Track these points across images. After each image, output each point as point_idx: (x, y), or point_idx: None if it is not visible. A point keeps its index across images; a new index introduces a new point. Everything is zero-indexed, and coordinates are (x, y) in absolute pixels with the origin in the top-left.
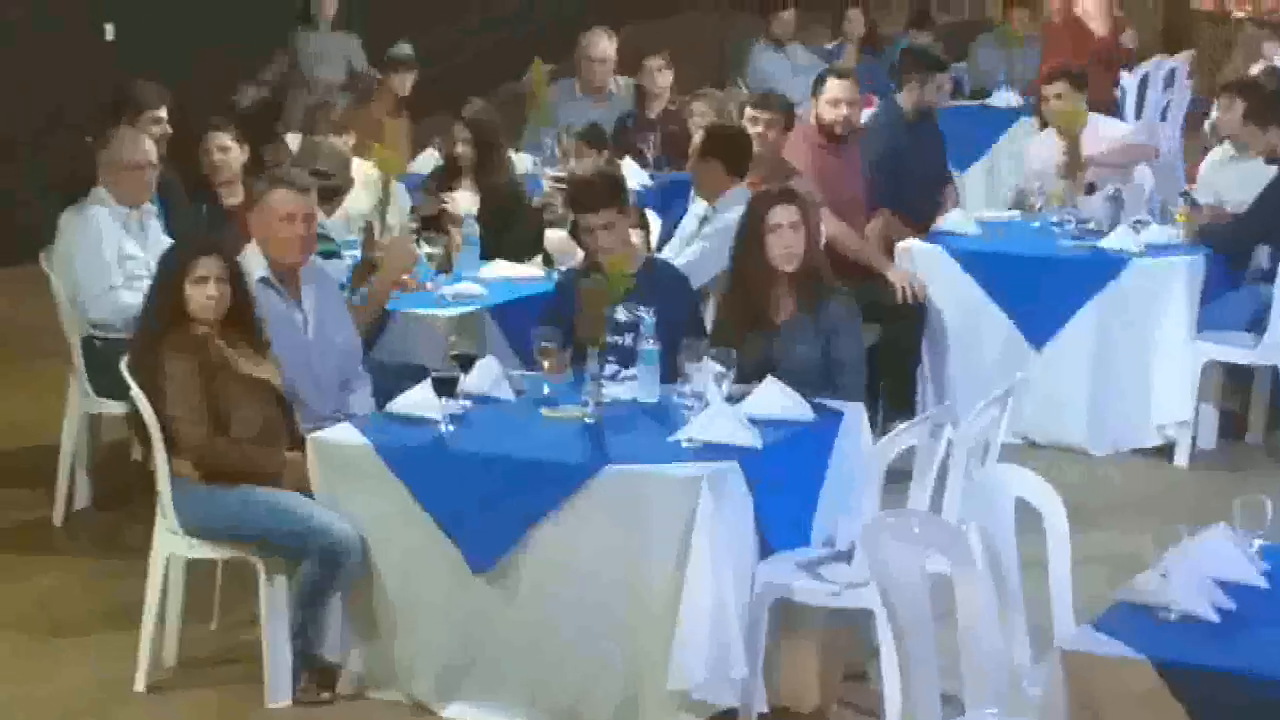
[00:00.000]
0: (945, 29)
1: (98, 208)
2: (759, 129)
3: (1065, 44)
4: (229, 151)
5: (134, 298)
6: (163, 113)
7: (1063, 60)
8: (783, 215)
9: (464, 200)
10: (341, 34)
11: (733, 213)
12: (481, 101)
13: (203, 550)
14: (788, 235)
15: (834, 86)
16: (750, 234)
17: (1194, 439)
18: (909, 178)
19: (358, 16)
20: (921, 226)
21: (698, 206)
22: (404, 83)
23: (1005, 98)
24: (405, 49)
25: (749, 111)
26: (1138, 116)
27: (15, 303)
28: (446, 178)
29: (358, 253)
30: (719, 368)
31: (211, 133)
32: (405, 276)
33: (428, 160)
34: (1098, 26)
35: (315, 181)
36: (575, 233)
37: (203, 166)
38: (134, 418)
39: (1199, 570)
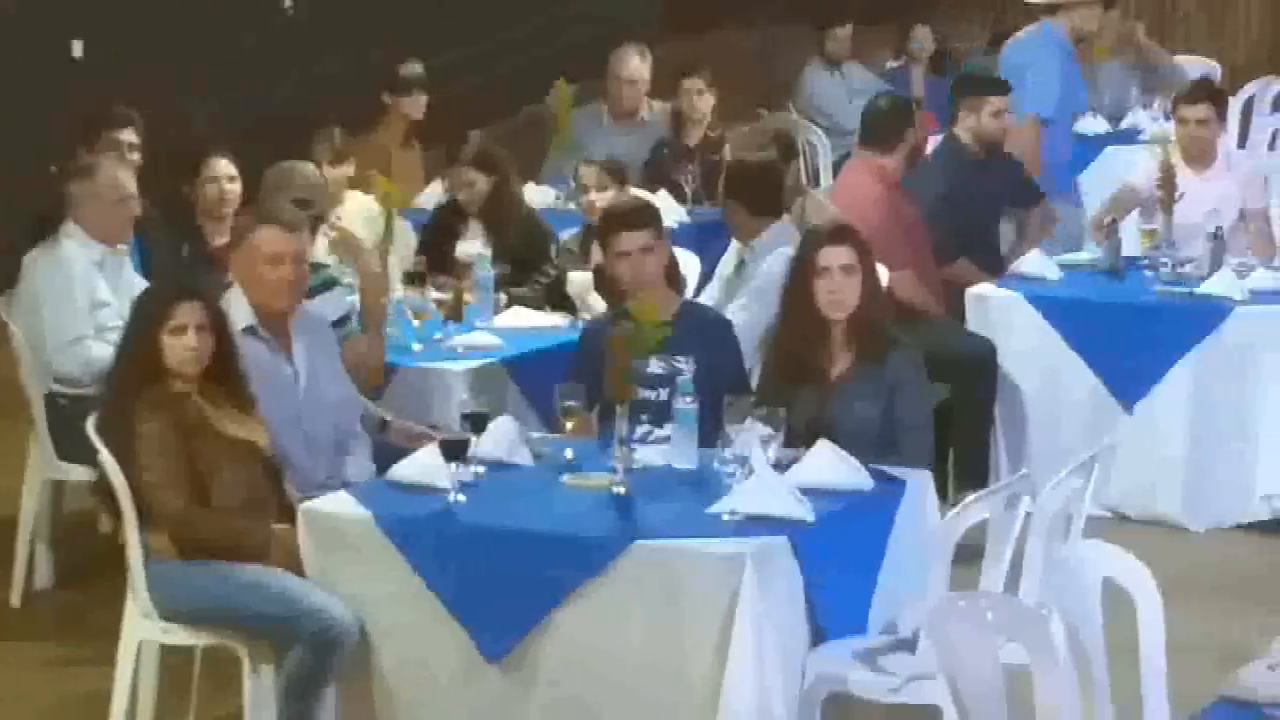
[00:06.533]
0: None
1: (70, 246)
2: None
3: None
4: (235, 181)
5: (105, 350)
6: (135, 138)
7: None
8: (833, 257)
9: (473, 242)
10: None
11: (771, 258)
12: (479, 134)
13: (179, 635)
14: (838, 280)
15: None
16: (798, 277)
17: None
18: (977, 221)
19: (364, 34)
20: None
21: (734, 248)
22: (418, 106)
23: (1090, 124)
24: (417, 68)
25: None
26: (1241, 145)
27: None
28: (453, 215)
29: (356, 298)
30: (765, 429)
31: (216, 159)
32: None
33: (434, 193)
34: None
35: (306, 216)
36: (600, 281)
37: (203, 198)
38: (102, 485)
39: None
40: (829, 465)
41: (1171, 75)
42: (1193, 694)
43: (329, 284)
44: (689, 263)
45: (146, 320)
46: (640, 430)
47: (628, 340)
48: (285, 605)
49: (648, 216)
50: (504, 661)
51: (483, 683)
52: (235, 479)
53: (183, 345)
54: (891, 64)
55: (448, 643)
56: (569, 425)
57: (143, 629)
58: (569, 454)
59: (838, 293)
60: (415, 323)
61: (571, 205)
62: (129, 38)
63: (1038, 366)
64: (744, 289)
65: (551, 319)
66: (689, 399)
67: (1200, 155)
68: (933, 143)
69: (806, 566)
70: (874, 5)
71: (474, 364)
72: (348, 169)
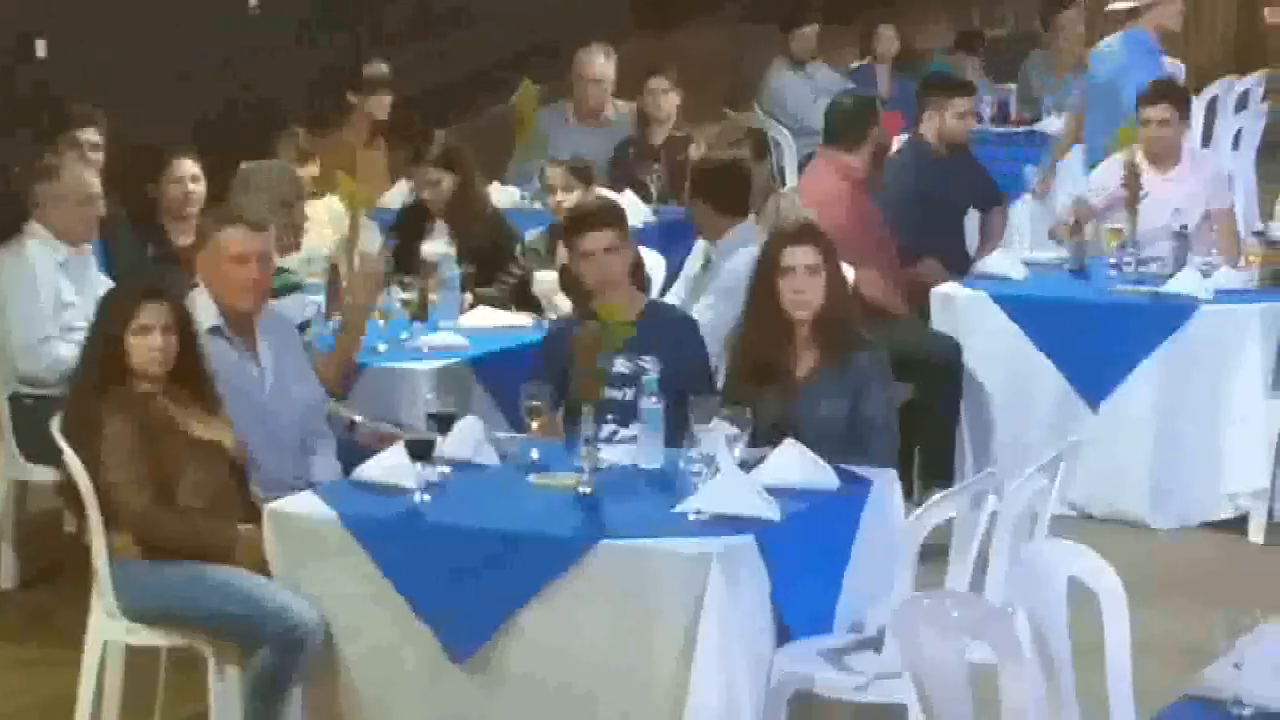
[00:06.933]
0: (990, 45)
1: (34, 246)
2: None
3: None
4: (199, 182)
5: (70, 350)
6: (98, 137)
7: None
8: (797, 257)
9: (438, 242)
10: None
11: (737, 257)
12: (442, 133)
13: (144, 636)
14: (802, 279)
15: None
16: (763, 277)
17: (1270, 510)
18: (943, 220)
19: (329, 33)
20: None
21: (700, 246)
22: (382, 105)
23: (1055, 123)
24: (382, 68)
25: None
26: (1205, 144)
27: None
28: (419, 214)
29: (320, 299)
30: (731, 429)
31: (181, 160)
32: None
33: (399, 193)
34: None
35: (271, 217)
36: (565, 281)
37: (168, 198)
38: (67, 486)
39: (1276, 660)
40: (795, 465)
41: None
42: (1157, 692)
43: (291, 287)
44: (654, 262)
45: (111, 321)
46: (606, 430)
47: (594, 340)
48: (251, 606)
49: (612, 217)
50: (470, 662)
51: (449, 683)
52: (201, 479)
53: (148, 346)
54: (856, 64)
55: (414, 643)
56: (534, 425)
57: (108, 629)
58: (535, 454)
59: (802, 292)
60: (380, 323)
61: (538, 205)
62: (92, 37)
63: (1003, 366)
64: (710, 288)
65: (517, 319)
66: (655, 399)
67: (1163, 155)
68: (898, 142)
69: (773, 566)
70: (839, 5)
71: (439, 364)
72: (312, 169)
